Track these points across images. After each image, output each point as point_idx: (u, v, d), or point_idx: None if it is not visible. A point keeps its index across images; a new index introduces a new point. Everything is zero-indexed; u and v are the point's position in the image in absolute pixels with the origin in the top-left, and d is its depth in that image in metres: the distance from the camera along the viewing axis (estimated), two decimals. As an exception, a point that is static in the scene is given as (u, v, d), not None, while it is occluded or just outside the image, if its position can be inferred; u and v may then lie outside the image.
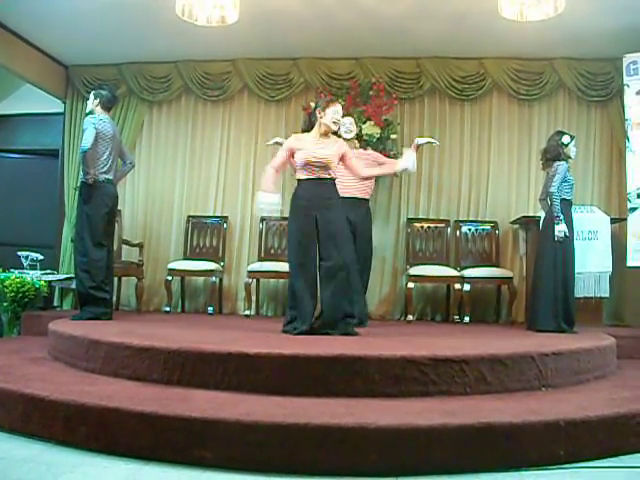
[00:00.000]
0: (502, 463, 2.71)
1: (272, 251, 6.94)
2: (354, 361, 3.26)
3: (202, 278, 7.01)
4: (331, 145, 4.56)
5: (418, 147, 5.09)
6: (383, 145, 6.44)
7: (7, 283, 6.02)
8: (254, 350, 3.33)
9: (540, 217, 5.54)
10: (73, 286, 6.14)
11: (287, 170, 6.53)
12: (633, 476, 2.67)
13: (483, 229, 6.82)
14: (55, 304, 6.97)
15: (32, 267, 6.61)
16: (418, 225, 6.86)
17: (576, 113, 6.93)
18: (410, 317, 6.32)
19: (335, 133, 4.73)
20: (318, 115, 4.57)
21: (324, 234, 4.49)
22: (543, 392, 3.46)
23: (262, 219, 6.92)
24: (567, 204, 5.24)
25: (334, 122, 4.58)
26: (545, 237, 5.26)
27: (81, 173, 5.31)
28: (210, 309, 6.60)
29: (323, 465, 2.64)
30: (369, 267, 5.67)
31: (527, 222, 6.19)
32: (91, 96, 5.38)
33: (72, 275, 6.08)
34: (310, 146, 4.51)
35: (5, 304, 6.03)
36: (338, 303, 4.41)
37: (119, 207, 6.02)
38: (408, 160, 4.55)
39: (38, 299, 6.28)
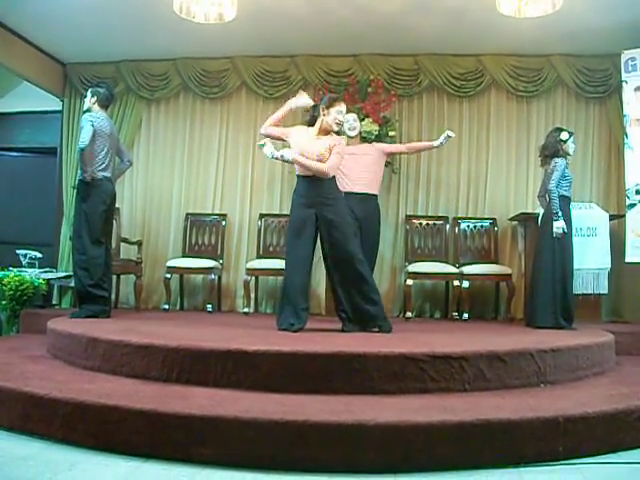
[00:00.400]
0: (501, 459, 2.71)
1: (271, 248, 6.94)
2: (353, 358, 3.26)
3: (201, 276, 7.00)
4: (326, 141, 4.52)
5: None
6: (381, 142, 6.43)
7: (6, 281, 6.02)
8: (253, 347, 3.34)
9: (539, 214, 5.55)
10: (72, 284, 6.15)
11: (289, 166, 6.57)
12: (632, 472, 2.68)
13: (482, 226, 6.82)
14: (54, 302, 6.96)
15: (31, 265, 6.61)
16: (417, 222, 6.86)
17: (574, 110, 6.92)
18: (409, 314, 6.32)
19: (337, 132, 4.69)
20: (322, 112, 4.54)
21: (326, 232, 4.48)
22: (542, 388, 3.47)
23: (261, 216, 6.95)
24: (566, 201, 5.24)
25: (337, 123, 4.54)
26: (544, 234, 5.26)
27: (79, 171, 5.31)
28: (209, 307, 6.60)
29: (322, 462, 2.64)
30: (372, 267, 5.60)
31: (526, 219, 6.19)
32: (88, 94, 5.37)
33: (71, 273, 6.10)
34: (304, 141, 4.50)
35: (4, 302, 6.03)
36: (356, 300, 4.44)
37: (117, 205, 6.02)
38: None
39: (37, 297, 6.29)
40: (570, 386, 3.55)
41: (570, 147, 5.40)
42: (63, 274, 6.72)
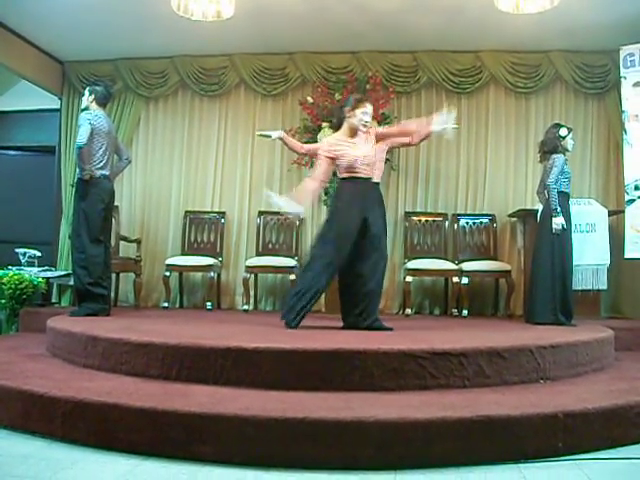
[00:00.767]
0: (501, 456, 2.72)
1: (270, 246, 6.94)
2: (353, 355, 3.26)
3: (200, 273, 7.01)
4: (363, 142, 4.46)
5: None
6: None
7: (5, 280, 6.01)
8: (252, 345, 3.33)
9: (538, 210, 5.55)
10: (71, 282, 6.15)
11: (287, 164, 6.55)
12: (631, 467, 2.68)
13: (481, 222, 6.82)
14: (53, 301, 6.96)
15: (30, 264, 6.60)
16: (416, 219, 6.87)
17: (573, 106, 6.92)
18: (408, 311, 6.32)
19: None
20: (347, 114, 4.46)
21: (368, 234, 4.41)
22: (541, 384, 3.47)
23: (260, 213, 6.95)
24: (565, 197, 5.24)
25: (363, 124, 4.44)
26: (543, 230, 5.27)
27: (77, 169, 5.31)
28: (209, 304, 6.59)
29: (322, 459, 2.64)
30: None
31: (525, 215, 6.19)
32: (86, 92, 5.37)
33: (70, 271, 6.09)
34: (350, 152, 4.40)
35: (3, 301, 6.03)
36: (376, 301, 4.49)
37: (116, 203, 6.03)
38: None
39: (36, 296, 6.29)
40: (570, 382, 3.55)
41: (569, 143, 5.40)
42: (62, 272, 6.72)
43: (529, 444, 2.75)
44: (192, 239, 7.07)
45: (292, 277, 6.40)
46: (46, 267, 6.73)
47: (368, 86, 6.68)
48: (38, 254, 6.69)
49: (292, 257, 6.69)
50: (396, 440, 2.67)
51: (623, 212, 6.09)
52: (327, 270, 4.38)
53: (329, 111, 6.46)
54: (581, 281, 5.80)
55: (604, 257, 5.85)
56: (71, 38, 6.70)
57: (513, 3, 5.09)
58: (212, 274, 6.65)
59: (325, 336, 3.99)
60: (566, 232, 5.17)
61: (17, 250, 6.68)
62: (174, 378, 3.35)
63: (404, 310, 6.44)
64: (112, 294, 6.06)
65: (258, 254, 6.82)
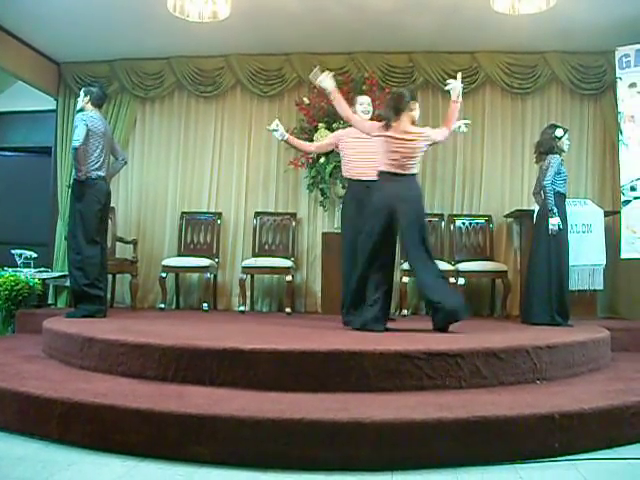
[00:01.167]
0: (497, 456, 2.72)
1: (266, 247, 6.93)
2: (349, 356, 3.26)
3: (196, 274, 7.00)
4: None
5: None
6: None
7: (1, 281, 6.00)
8: (249, 346, 3.34)
9: (534, 210, 5.55)
10: (67, 284, 6.13)
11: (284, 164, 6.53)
12: (628, 467, 2.69)
13: (477, 223, 6.83)
14: (49, 302, 6.94)
15: (26, 265, 6.59)
16: (412, 220, 6.85)
17: (569, 106, 6.94)
18: (405, 312, 6.33)
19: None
20: (412, 106, 4.66)
21: (404, 226, 4.56)
22: (538, 385, 3.48)
23: (256, 214, 6.95)
24: (561, 197, 5.25)
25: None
26: (539, 230, 5.27)
27: (73, 170, 5.30)
28: (205, 305, 6.58)
29: (318, 460, 2.64)
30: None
31: (521, 215, 6.19)
32: (81, 93, 5.37)
33: (66, 273, 6.08)
34: (372, 142, 4.77)
35: (-1, 302, 6.02)
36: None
37: (112, 204, 6.02)
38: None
39: (32, 297, 6.27)
40: (566, 382, 3.55)
41: (565, 144, 5.41)
42: (58, 274, 6.71)
43: (525, 444, 2.75)
44: (188, 240, 7.06)
45: (288, 278, 6.40)
46: (42, 268, 6.72)
47: (364, 87, 6.67)
48: (34, 255, 6.68)
49: (288, 258, 6.68)
50: (393, 441, 2.67)
51: (619, 213, 6.10)
52: (378, 265, 4.65)
53: (325, 112, 6.47)
54: (577, 282, 5.82)
55: (600, 258, 5.87)
56: (67, 39, 6.69)
57: (509, 4, 5.10)
58: (208, 275, 6.65)
59: (321, 337, 3.99)
60: (562, 233, 5.18)
61: (13, 251, 6.67)
62: (170, 379, 3.35)
63: (400, 311, 6.44)
64: (108, 295, 6.04)
65: (254, 255, 6.81)
